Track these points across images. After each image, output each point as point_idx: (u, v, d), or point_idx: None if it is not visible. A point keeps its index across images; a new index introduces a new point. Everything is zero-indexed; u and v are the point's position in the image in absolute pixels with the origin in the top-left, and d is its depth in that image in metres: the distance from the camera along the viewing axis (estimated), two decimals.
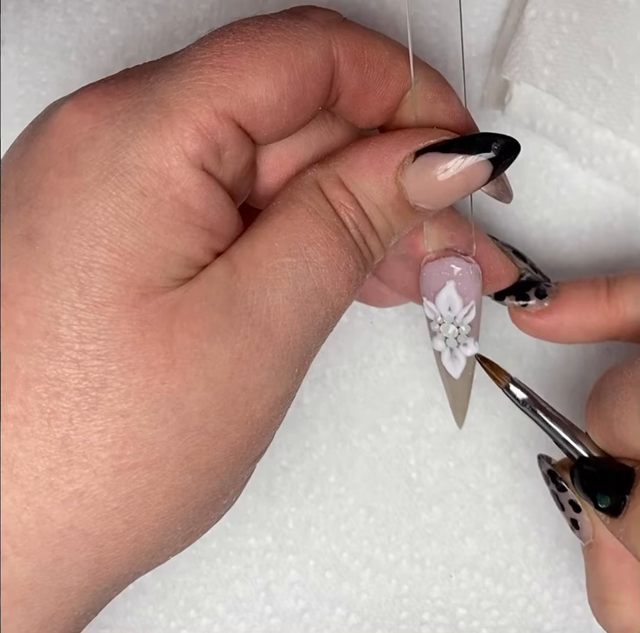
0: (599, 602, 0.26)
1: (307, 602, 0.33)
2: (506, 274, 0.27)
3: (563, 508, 0.26)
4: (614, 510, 0.24)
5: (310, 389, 0.33)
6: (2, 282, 0.21)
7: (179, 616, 0.33)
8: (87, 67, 0.33)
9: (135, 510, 0.21)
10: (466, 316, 0.26)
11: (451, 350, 0.27)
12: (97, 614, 0.23)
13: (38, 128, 0.22)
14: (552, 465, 0.26)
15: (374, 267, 0.25)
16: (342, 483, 0.33)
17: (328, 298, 0.23)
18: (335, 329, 0.24)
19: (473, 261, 0.26)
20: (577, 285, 0.28)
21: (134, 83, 0.22)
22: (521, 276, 0.27)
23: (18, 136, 0.23)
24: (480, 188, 0.24)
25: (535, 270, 0.28)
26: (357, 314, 0.33)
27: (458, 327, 0.26)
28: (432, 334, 0.27)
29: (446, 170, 0.23)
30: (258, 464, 0.24)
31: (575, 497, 0.25)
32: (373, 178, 0.23)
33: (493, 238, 0.28)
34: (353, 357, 0.33)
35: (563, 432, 0.25)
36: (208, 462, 0.22)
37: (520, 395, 0.26)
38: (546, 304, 0.27)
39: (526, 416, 0.26)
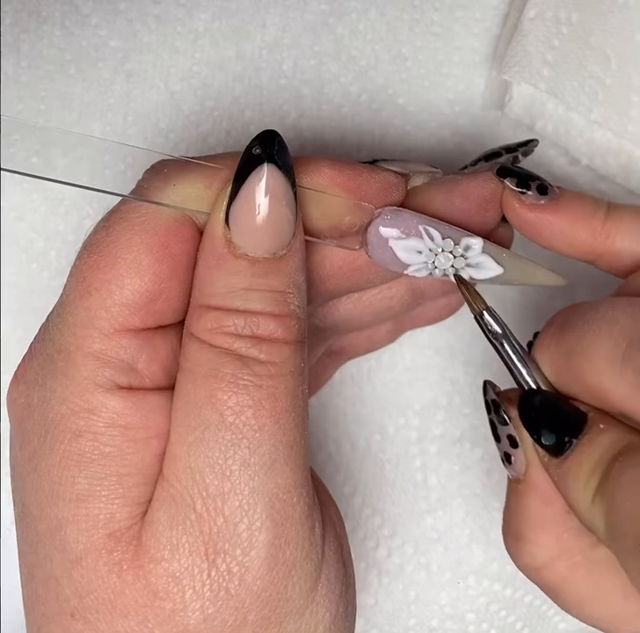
0: (516, 538, 0.25)
1: None
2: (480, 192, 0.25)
3: (499, 440, 0.25)
4: (558, 450, 0.23)
5: (319, 391, 0.33)
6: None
7: None
8: (86, 80, 0.32)
9: None
10: (445, 238, 0.25)
11: (468, 266, 0.25)
12: None
13: None
14: (497, 393, 0.25)
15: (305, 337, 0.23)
16: (349, 483, 0.33)
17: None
18: None
19: (372, 208, 0.24)
20: (579, 197, 0.26)
21: (39, 338, 0.23)
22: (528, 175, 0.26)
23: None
24: None
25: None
26: None
27: (451, 252, 0.25)
28: (443, 275, 0.25)
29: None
30: None
31: (514, 432, 0.24)
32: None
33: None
34: (360, 360, 0.33)
35: (527, 368, 0.24)
36: None
37: (494, 326, 0.24)
38: (542, 202, 0.26)
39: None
